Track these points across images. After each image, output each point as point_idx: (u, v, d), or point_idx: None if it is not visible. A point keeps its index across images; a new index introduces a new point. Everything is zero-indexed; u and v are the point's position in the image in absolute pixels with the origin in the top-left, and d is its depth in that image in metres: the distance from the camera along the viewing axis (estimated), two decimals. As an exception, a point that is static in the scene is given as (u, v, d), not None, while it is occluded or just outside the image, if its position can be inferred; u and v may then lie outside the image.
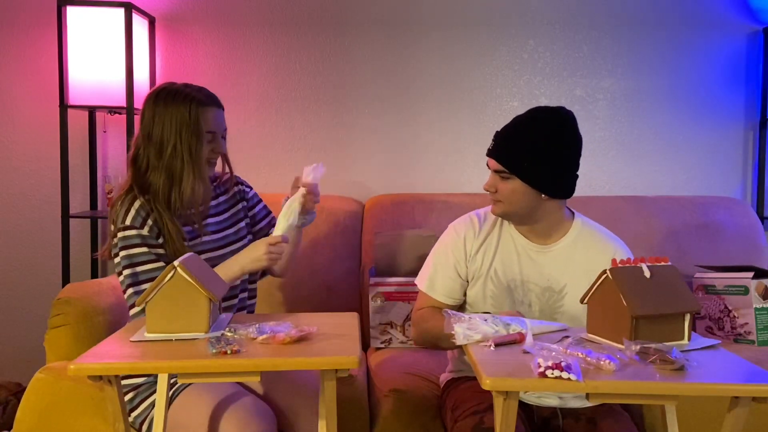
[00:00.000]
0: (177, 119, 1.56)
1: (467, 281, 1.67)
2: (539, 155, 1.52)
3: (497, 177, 1.57)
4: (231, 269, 1.57)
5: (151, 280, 1.50)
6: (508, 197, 1.56)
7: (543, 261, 1.61)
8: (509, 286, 1.61)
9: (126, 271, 1.53)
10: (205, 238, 1.65)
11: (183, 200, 1.58)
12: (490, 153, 1.58)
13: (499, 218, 1.66)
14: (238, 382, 1.57)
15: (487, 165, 1.60)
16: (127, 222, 1.54)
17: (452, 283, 1.66)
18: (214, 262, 1.59)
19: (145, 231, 1.54)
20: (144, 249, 1.54)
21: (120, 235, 1.54)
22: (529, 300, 1.61)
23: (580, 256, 1.60)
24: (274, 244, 1.55)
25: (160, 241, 1.56)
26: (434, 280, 1.67)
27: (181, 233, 1.58)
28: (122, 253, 1.53)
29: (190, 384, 1.50)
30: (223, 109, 1.67)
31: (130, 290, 1.54)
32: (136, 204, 1.55)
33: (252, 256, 1.56)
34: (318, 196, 1.65)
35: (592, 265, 1.50)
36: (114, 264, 1.58)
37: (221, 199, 1.74)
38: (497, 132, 1.59)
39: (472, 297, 1.66)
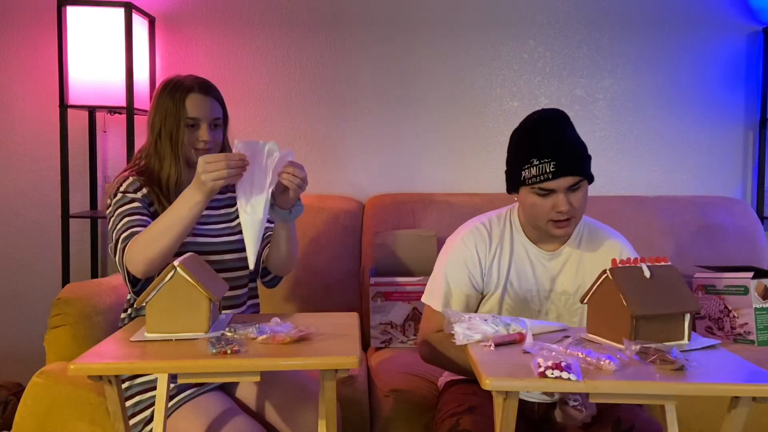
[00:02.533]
0: (164, 107, 1.60)
1: (482, 295, 1.62)
2: (584, 146, 1.51)
3: (568, 193, 1.47)
4: (185, 200, 1.45)
5: (140, 226, 1.51)
6: (581, 208, 1.50)
7: (555, 267, 1.59)
8: (526, 297, 1.59)
9: (125, 220, 1.53)
10: (200, 239, 1.63)
11: (169, 185, 1.60)
12: (562, 172, 1.44)
13: (508, 227, 1.61)
14: (231, 399, 1.58)
15: (545, 190, 1.46)
16: (122, 188, 1.58)
17: (468, 300, 1.59)
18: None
19: (138, 195, 1.58)
20: (138, 204, 1.56)
21: (114, 199, 1.58)
22: (546, 309, 1.60)
23: (588, 256, 1.59)
24: (210, 162, 1.39)
25: (152, 210, 1.58)
26: (449, 297, 1.58)
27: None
28: (118, 210, 1.55)
29: (179, 406, 1.50)
30: (216, 98, 1.65)
31: (127, 233, 1.50)
32: (131, 179, 1.61)
33: (194, 181, 1.44)
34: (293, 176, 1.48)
35: (602, 265, 1.48)
36: (109, 232, 1.57)
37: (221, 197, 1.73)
38: (554, 148, 1.45)
39: (486, 310, 1.61)
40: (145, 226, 1.52)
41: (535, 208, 1.50)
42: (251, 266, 1.50)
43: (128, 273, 1.50)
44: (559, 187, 1.46)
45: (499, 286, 1.59)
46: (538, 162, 1.45)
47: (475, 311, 1.62)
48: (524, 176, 1.48)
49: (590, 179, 1.51)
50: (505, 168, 1.60)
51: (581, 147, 1.51)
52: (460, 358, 1.43)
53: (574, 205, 1.47)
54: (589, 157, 1.51)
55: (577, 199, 1.48)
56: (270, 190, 1.46)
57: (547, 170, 1.44)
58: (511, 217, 1.63)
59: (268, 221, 1.63)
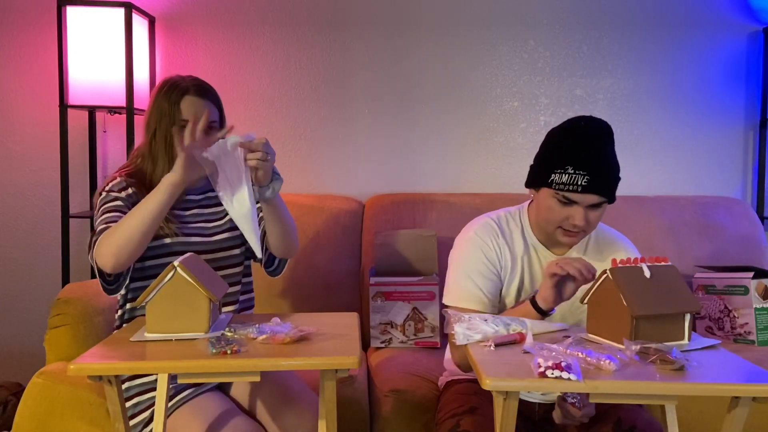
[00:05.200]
0: (160, 108, 1.59)
1: (501, 282, 1.59)
2: (618, 168, 1.49)
3: (588, 210, 1.46)
4: (148, 204, 1.46)
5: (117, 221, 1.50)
6: (594, 225, 1.50)
7: None
8: None
9: (103, 216, 1.52)
10: (192, 239, 1.63)
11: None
12: (592, 189, 1.43)
13: (519, 226, 1.61)
14: (230, 398, 1.58)
15: (568, 200, 1.45)
16: (107, 188, 1.58)
17: (492, 284, 1.56)
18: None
19: (122, 195, 1.57)
20: (120, 203, 1.55)
21: (99, 199, 1.57)
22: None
23: (595, 260, 1.57)
24: (189, 144, 1.43)
25: None
26: (473, 288, 1.54)
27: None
28: (102, 208, 1.55)
29: (178, 407, 1.50)
30: (212, 100, 1.62)
31: (103, 225, 1.49)
32: (118, 179, 1.60)
33: (168, 176, 1.47)
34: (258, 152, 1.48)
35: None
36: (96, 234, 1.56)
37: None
38: (593, 162, 1.43)
39: (505, 306, 1.59)
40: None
41: (551, 212, 1.49)
42: (258, 255, 1.57)
43: (99, 269, 1.48)
44: (583, 202, 1.45)
45: (513, 279, 1.58)
46: (573, 171, 1.43)
47: (499, 300, 1.59)
48: (553, 179, 1.46)
49: (612, 198, 1.50)
50: (531, 162, 1.57)
51: (616, 169, 1.50)
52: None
53: (590, 221, 1.48)
54: (619, 179, 1.50)
55: (594, 217, 1.49)
56: (249, 180, 1.48)
57: (579, 182, 1.43)
58: (521, 217, 1.63)
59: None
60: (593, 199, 1.45)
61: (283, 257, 1.74)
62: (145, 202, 1.46)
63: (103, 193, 1.57)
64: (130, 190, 1.58)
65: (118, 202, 1.55)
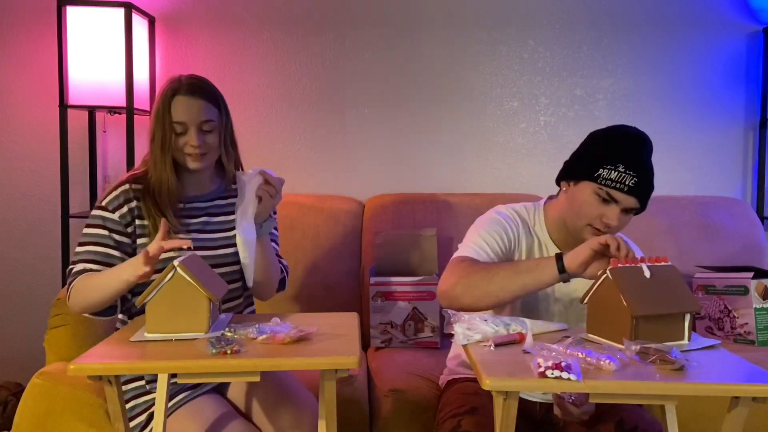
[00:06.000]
0: (157, 109, 1.56)
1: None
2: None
3: (623, 213, 1.46)
4: (111, 282, 1.43)
5: (93, 261, 1.50)
6: (621, 229, 1.50)
7: None
8: (537, 296, 1.57)
9: (84, 248, 1.52)
10: (198, 253, 1.59)
11: (161, 192, 1.56)
12: (637, 192, 1.44)
13: (535, 221, 1.60)
14: (227, 401, 1.58)
15: (610, 197, 1.45)
16: (104, 203, 1.55)
17: (503, 254, 1.53)
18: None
19: (115, 216, 1.53)
20: (104, 231, 1.53)
21: (93, 212, 1.56)
22: (553, 311, 1.58)
23: None
24: (152, 256, 1.36)
25: (129, 230, 1.53)
26: (483, 244, 1.52)
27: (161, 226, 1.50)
28: (84, 233, 1.54)
29: (175, 409, 1.50)
30: (207, 99, 1.56)
31: (80, 267, 1.50)
32: (122, 188, 1.56)
33: (133, 264, 1.40)
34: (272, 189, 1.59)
35: None
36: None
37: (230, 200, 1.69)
38: (642, 168, 1.45)
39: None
40: (99, 262, 1.50)
41: (585, 207, 1.48)
42: (249, 284, 1.64)
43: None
44: (623, 203, 1.45)
45: None
46: (623, 170, 1.44)
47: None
48: (601, 174, 1.45)
49: (642, 211, 1.51)
50: (567, 158, 1.57)
51: (653, 174, 1.50)
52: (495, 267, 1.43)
53: (621, 225, 1.48)
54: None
55: (625, 221, 1.49)
56: (254, 210, 1.59)
57: (627, 182, 1.43)
58: (537, 214, 1.62)
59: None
60: (633, 202, 1.46)
61: (256, 297, 1.76)
62: (105, 280, 1.44)
63: (96, 210, 1.55)
64: (133, 204, 1.54)
65: (103, 231, 1.52)
